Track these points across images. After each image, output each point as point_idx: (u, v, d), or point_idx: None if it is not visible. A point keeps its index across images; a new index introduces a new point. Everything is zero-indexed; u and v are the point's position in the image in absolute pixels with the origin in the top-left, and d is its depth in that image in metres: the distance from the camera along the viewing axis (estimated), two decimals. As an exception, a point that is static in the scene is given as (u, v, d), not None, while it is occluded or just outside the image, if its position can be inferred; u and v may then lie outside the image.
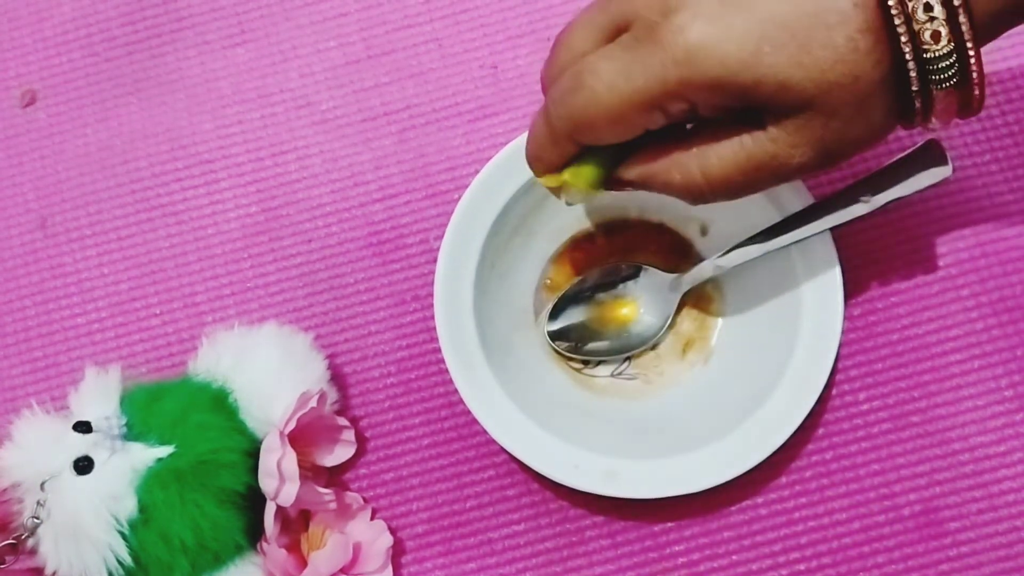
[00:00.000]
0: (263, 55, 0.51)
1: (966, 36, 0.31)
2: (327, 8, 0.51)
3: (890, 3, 0.31)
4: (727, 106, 0.33)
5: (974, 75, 0.32)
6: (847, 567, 0.43)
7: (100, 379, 0.41)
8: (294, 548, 0.42)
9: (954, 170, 0.40)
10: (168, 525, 0.39)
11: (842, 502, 0.43)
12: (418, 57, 0.50)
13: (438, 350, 0.42)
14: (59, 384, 0.47)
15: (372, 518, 0.44)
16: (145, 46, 0.52)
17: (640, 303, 0.46)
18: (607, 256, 0.46)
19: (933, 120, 0.34)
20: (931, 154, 0.41)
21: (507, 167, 0.43)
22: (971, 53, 0.31)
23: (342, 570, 0.41)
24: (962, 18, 0.31)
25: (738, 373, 0.44)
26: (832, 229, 0.41)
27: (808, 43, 0.31)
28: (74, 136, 0.51)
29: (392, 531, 0.44)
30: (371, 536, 0.43)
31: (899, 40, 0.31)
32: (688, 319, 0.46)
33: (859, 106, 0.32)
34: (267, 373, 0.43)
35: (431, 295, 0.43)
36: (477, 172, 0.44)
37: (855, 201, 0.41)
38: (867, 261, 0.46)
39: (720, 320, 0.46)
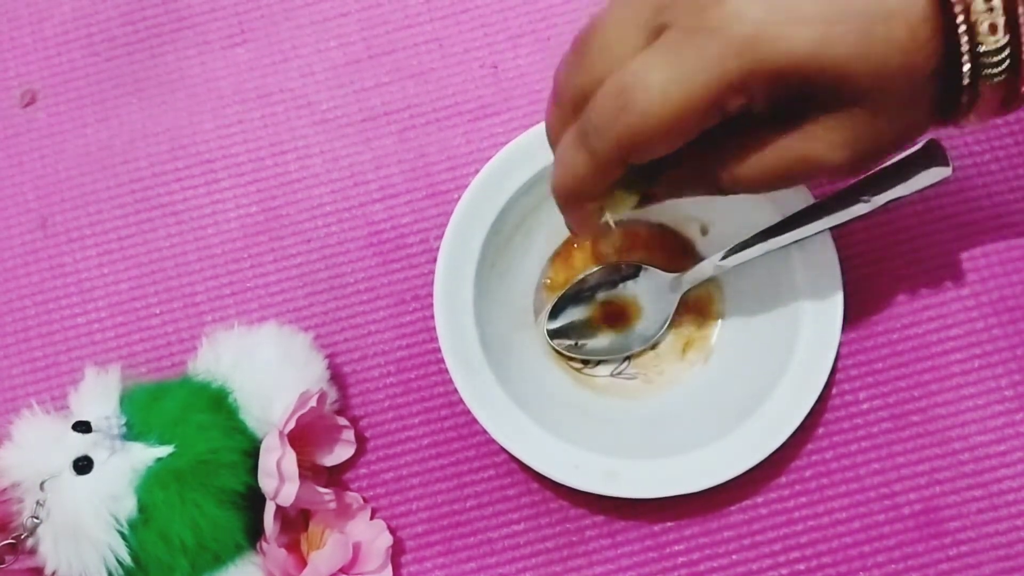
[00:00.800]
0: (263, 55, 0.51)
1: (1023, 28, 0.29)
2: (327, 8, 0.51)
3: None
4: (784, 98, 0.31)
5: (1023, 68, 0.30)
6: (847, 567, 0.43)
7: (100, 379, 0.41)
8: (294, 548, 0.42)
9: (954, 170, 0.40)
10: (168, 525, 0.39)
11: (842, 501, 0.43)
12: (419, 57, 0.50)
13: (438, 350, 0.42)
14: (59, 384, 0.47)
15: (372, 518, 0.44)
16: (145, 46, 0.52)
17: (640, 303, 0.46)
18: (607, 256, 0.46)
19: (972, 117, 0.32)
20: (931, 154, 0.41)
21: (507, 166, 0.43)
22: None
23: (342, 570, 0.41)
24: (1021, 9, 0.29)
25: (738, 373, 0.44)
26: (832, 229, 0.41)
27: (870, 31, 0.29)
28: (74, 136, 0.51)
29: (392, 531, 0.44)
30: (371, 536, 0.43)
31: (956, 31, 0.29)
32: (688, 319, 0.46)
33: (907, 101, 0.31)
34: (267, 373, 0.43)
35: (431, 295, 0.43)
36: (477, 172, 0.44)
37: (855, 201, 0.41)
38: (867, 261, 0.46)
39: (720, 320, 0.46)
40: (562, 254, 0.46)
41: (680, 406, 0.44)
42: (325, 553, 0.41)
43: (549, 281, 0.46)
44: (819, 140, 0.32)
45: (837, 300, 0.42)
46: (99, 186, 0.50)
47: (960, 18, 0.29)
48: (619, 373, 0.46)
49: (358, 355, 0.47)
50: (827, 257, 0.42)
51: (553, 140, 0.36)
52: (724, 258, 0.42)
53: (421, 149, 0.49)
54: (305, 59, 0.51)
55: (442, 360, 0.42)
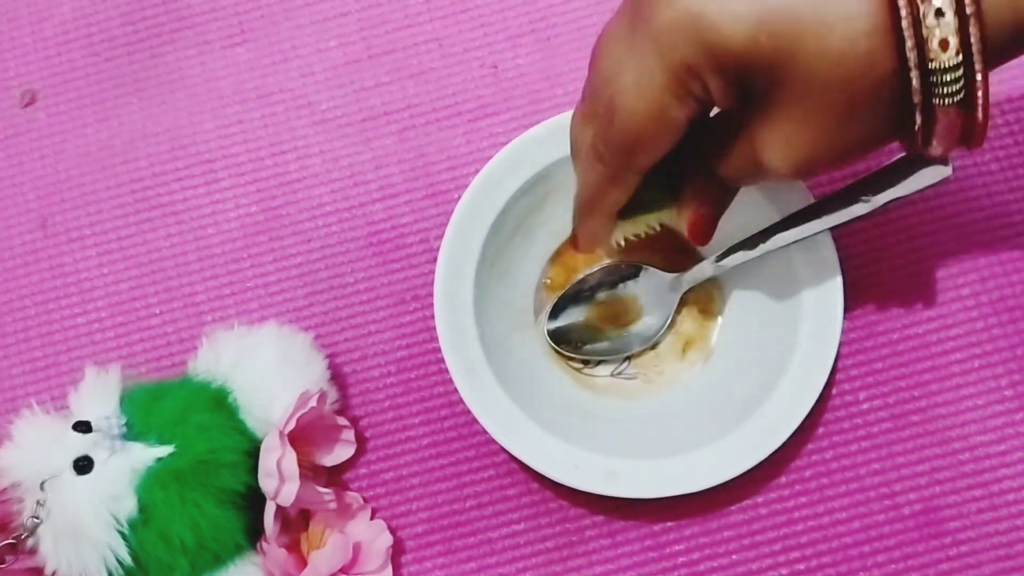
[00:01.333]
0: (263, 55, 0.51)
1: (975, 48, 0.29)
2: (327, 8, 0.51)
3: (900, 3, 0.29)
4: (736, 89, 0.32)
5: (979, 94, 0.30)
6: (847, 567, 0.43)
7: (100, 379, 0.41)
8: (294, 548, 0.42)
9: (954, 170, 0.40)
10: (168, 525, 0.39)
11: (842, 501, 0.43)
12: (418, 57, 0.50)
13: (438, 350, 0.42)
14: (59, 384, 0.47)
15: (372, 518, 0.44)
16: (145, 46, 0.52)
17: (640, 302, 0.46)
18: (607, 255, 0.46)
19: (934, 143, 0.32)
20: (931, 154, 0.41)
21: (507, 166, 0.43)
22: (978, 68, 0.29)
23: (342, 570, 0.41)
24: (972, 28, 0.29)
25: (738, 373, 0.44)
26: (832, 229, 0.41)
27: (802, 37, 0.29)
28: (74, 136, 0.51)
29: (392, 531, 0.44)
30: (371, 536, 0.43)
31: (904, 44, 0.29)
32: (688, 319, 0.46)
33: (847, 111, 0.31)
34: (267, 373, 0.43)
35: (431, 295, 0.43)
36: (477, 171, 0.44)
37: (855, 201, 0.41)
38: (867, 261, 0.46)
39: (720, 320, 0.46)
40: (562, 254, 0.46)
41: (680, 406, 0.44)
42: (325, 553, 0.41)
43: (549, 281, 0.46)
44: (759, 140, 0.33)
45: (837, 300, 0.42)
46: (99, 186, 0.50)
47: (909, 32, 0.29)
48: (619, 373, 0.46)
49: (358, 355, 0.47)
50: (827, 257, 0.42)
51: (572, 135, 0.38)
52: (724, 258, 0.42)
53: (421, 149, 0.49)
54: (305, 59, 0.51)
55: (442, 360, 0.42)
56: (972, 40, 0.29)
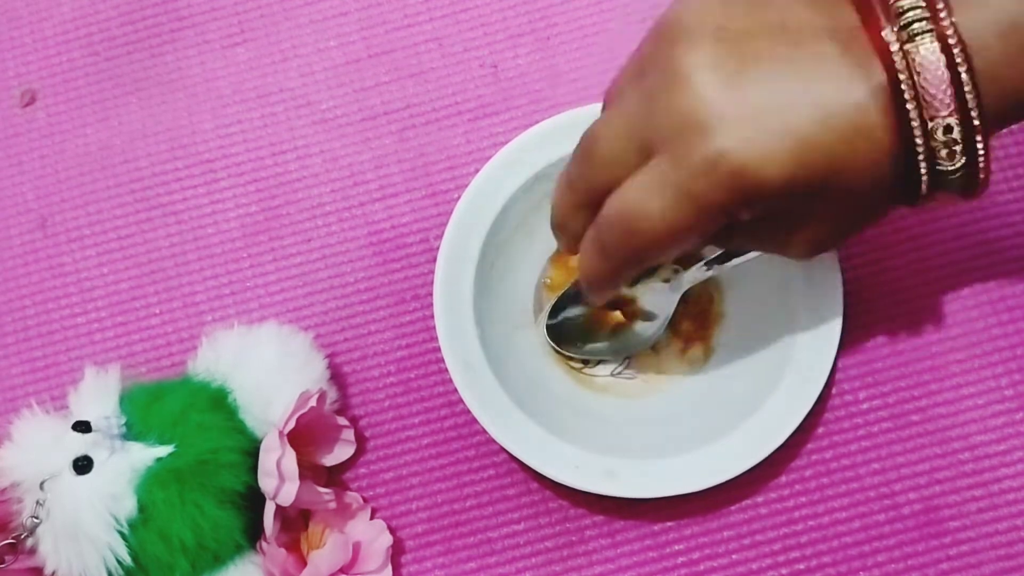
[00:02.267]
0: (263, 54, 0.51)
1: (979, 154, 0.31)
2: (327, 7, 0.51)
3: (914, 126, 0.30)
4: (762, 213, 0.33)
5: (980, 177, 0.32)
6: (847, 566, 0.43)
7: (100, 379, 0.41)
8: (294, 548, 0.42)
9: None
10: (168, 525, 0.39)
11: (842, 501, 0.43)
12: (418, 56, 0.50)
13: (438, 350, 0.42)
14: (59, 384, 0.47)
15: (372, 517, 0.44)
16: (145, 46, 0.52)
17: (640, 302, 0.46)
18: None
19: (926, 207, 0.34)
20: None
21: (507, 166, 0.44)
22: (981, 164, 0.31)
23: (342, 570, 0.41)
24: (979, 137, 0.31)
25: (738, 373, 0.44)
26: (832, 228, 0.41)
27: (836, 166, 0.31)
28: (74, 136, 0.51)
29: (392, 531, 0.44)
30: (371, 536, 0.43)
31: (917, 157, 0.31)
32: (688, 319, 0.46)
33: (862, 209, 0.34)
34: (267, 373, 0.43)
35: (431, 295, 0.43)
36: (477, 171, 0.44)
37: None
38: (867, 261, 0.46)
39: (720, 320, 0.46)
40: (562, 254, 0.46)
41: (680, 406, 0.44)
42: (325, 553, 0.41)
43: (549, 281, 0.46)
44: (784, 241, 0.35)
45: (837, 300, 0.42)
46: (99, 186, 0.50)
47: (922, 151, 0.31)
48: (619, 373, 0.46)
49: (358, 355, 0.47)
50: (827, 257, 0.42)
51: (558, 218, 0.37)
52: (724, 258, 0.42)
53: (421, 149, 0.49)
54: (305, 59, 0.51)
55: (442, 360, 0.42)
56: (979, 148, 0.31)
